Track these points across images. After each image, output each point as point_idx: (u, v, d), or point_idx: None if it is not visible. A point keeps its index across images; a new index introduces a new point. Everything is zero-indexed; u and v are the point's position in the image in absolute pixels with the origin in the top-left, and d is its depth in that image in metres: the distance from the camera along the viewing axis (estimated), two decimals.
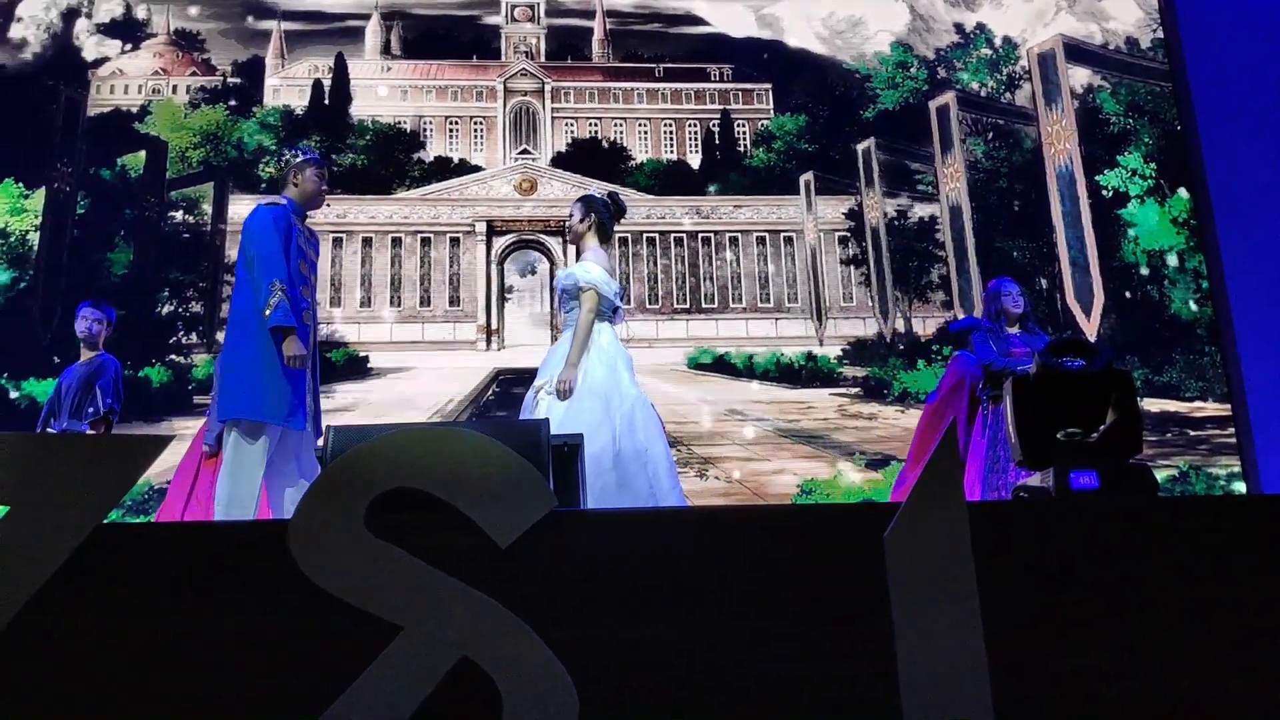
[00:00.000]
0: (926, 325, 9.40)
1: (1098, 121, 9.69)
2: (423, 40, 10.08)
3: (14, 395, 8.32)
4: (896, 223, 9.71)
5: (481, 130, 9.96)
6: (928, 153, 9.83)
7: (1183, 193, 9.35)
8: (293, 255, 4.33)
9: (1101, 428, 2.57)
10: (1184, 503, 4.48)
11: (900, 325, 9.42)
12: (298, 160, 4.55)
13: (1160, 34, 9.87)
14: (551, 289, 9.71)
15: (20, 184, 8.96)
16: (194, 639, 2.04)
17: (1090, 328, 9.13)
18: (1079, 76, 9.82)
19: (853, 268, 9.68)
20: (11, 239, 8.86)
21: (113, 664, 2.02)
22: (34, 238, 8.87)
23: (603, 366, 4.22)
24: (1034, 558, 2.20)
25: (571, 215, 4.63)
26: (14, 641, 1.94)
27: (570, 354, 4.19)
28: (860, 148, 9.86)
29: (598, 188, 4.89)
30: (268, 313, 4.17)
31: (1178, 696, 2.06)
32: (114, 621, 2.04)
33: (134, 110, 9.50)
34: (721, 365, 9.26)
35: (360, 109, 9.74)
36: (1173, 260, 9.21)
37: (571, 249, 4.54)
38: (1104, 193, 9.43)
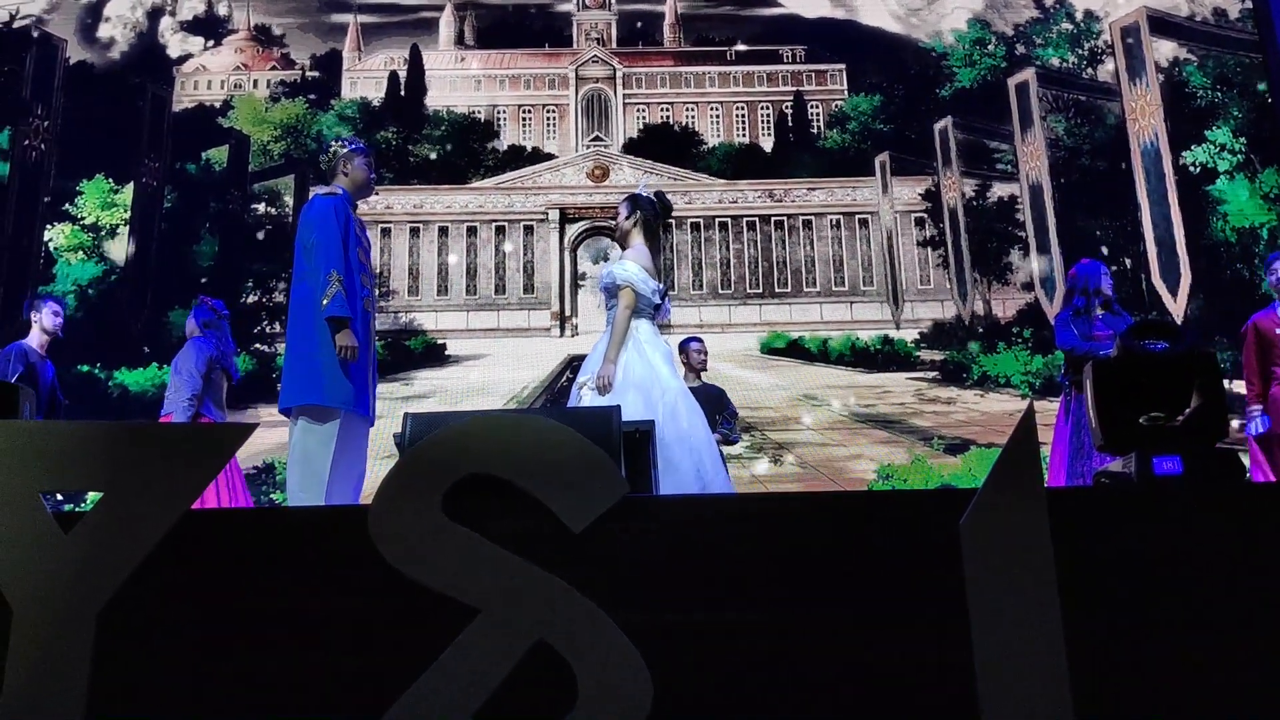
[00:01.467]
0: (1006, 308, 9.23)
1: (1184, 95, 9.39)
2: (495, 30, 10.16)
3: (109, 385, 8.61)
4: (975, 203, 9.54)
5: (554, 118, 10.01)
6: (1007, 131, 9.64)
7: (1274, 168, 9.03)
8: (350, 244, 4.41)
9: (1185, 411, 2.50)
10: (1271, 489, 4.35)
11: (979, 308, 9.26)
12: (345, 150, 4.63)
13: (1249, 3, 9.52)
14: None
15: (110, 180, 9.25)
16: (278, 621, 2.10)
17: (1177, 308, 8.88)
18: (1164, 49, 9.53)
19: (930, 249, 9.55)
20: (102, 233, 9.15)
21: (201, 645, 2.09)
22: (124, 232, 9.15)
23: (642, 361, 4.24)
24: (1115, 545, 2.16)
25: (618, 213, 4.67)
26: (109, 623, 2.02)
27: (608, 350, 4.22)
28: (937, 127, 9.70)
29: (645, 185, 4.90)
30: (325, 302, 4.25)
31: (1262, 688, 2.01)
32: (202, 604, 2.11)
33: (217, 105, 9.74)
34: (795, 350, 9.20)
35: (435, 100, 9.86)
36: (1264, 238, 8.90)
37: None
38: (1191, 169, 9.15)
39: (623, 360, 4.24)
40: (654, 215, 4.61)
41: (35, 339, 5.64)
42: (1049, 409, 8.50)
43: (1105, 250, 9.02)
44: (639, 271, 4.38)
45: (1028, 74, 9.66)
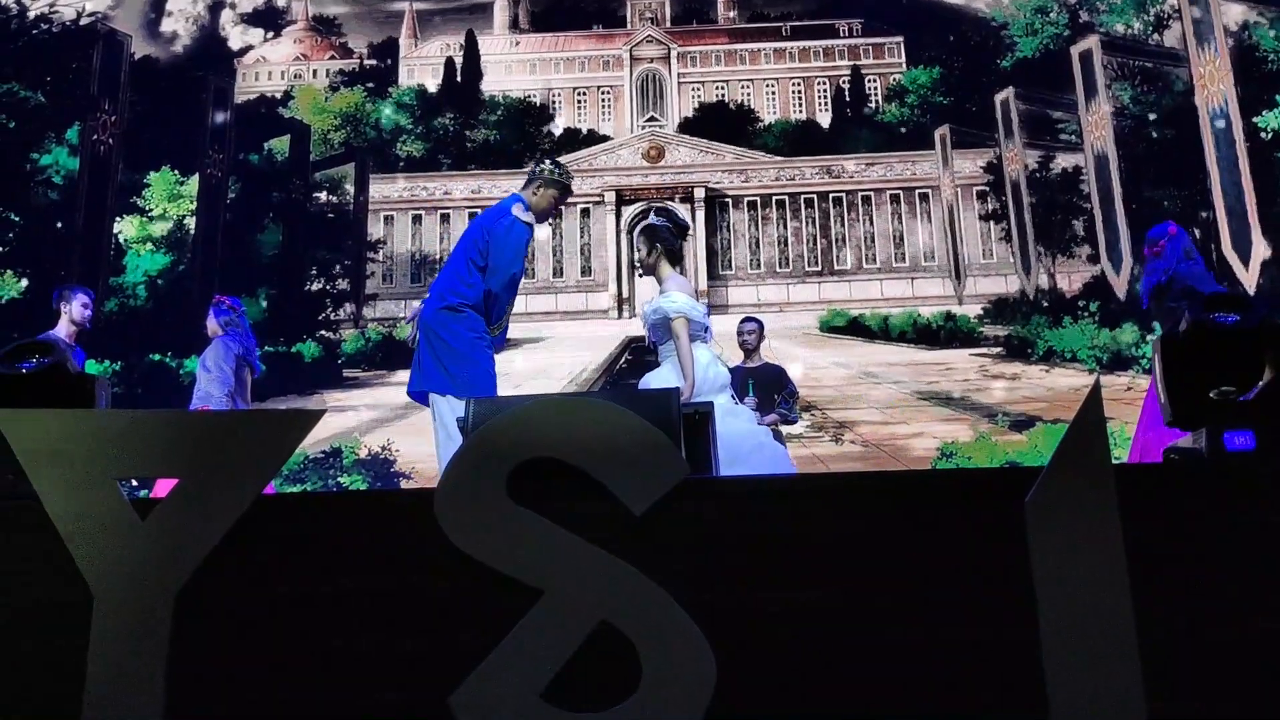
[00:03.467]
0: (1071, 281, 9.06)
1: (1254, 59, 9.10)
2: (550, 13, 10.17)
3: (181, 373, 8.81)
4: (1038, 175, 9.37)
5: (609, 100, 10.01)
6: (1070, 101, 9.43)
7: None
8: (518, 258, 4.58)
9: (1258, 385, 2.44)
10: None
11: (1044, 281, 9.10)
12: (550, 176, 4.62)
13: None
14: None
15: (176, 171, 9.44)
16: (348, 602, 2.15)
17: (1249, 279, 8.64)
18: (1233, 12, 9.24)
19: (992, 223, 9.40)
20: (169, 224, 9.35)
21: (274, 626, 2.14)
22: (190, 222, 9.34)
23: (705, 388, 4.30)
24: (1186, 523, 2.12)
25: (638, 250, 4.66)
26: (186, 605, 2.08)
27: (684, 371, 4.28)
28: (998, 98, 9.52)
29: (654, 215, 4.87)
30: (495, 332, 4.53)
31: None
32: (275, 586, 2.16)
33: (278, 96, 9.89)
34: (855, 328, 9.12)
35: (491, 85, 9.90)
36: None
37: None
38: (1262, 135, 8.87)
39: (666, 378, 4.30)
40: (673, 240, 4.61)
41: (64, 329, 5.69)
42: (1116, 383, 8.36)
43: (1177, 220, 8.80)
44: (686, 300, 4.40)
45: (1091, 41, 9.44)
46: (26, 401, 2.33)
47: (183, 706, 2.03)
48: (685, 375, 4.29)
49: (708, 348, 4.49)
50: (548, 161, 4.76)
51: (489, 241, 4.48)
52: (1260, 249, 8.62)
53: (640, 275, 4.76)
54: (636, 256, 4.68)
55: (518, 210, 4.55)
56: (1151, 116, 9.28)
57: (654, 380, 4.43)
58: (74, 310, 5.71)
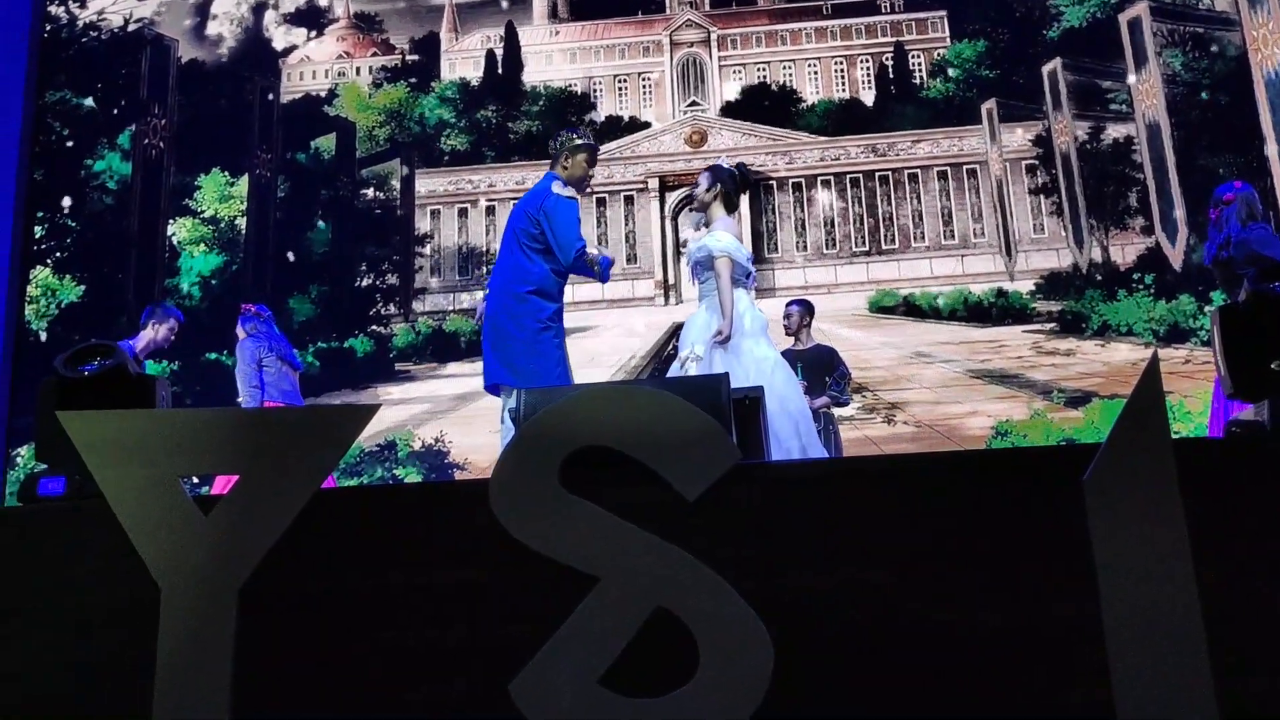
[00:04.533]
0: (1125, 253, 8.89)
1: None
2: (588, 1, 10.16)
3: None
4: (1089, 146, 9.20)
5: (650, 86, 9.99)
6: (1120, 70, 9.25)
7: None
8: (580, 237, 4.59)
9: None
10: None
11: (1097, 255, 8.95)
12: (573, 143, 4.64)
13: None
14: None
15: (225, 173, 9.59)
16: (407, 593, 2.18)
17: None
18: None
19: (1042, 197, 9.25)
20: (221, 225, 9.49)
21: (337, 617, 2.18)
22: (241, 223, 9.48)
23: (738, 333, 4.28)
24: (1249, 497, 2.08)
25: (698, 185, 4.67)
26: (249, 599, 2.12)
27: (723, 308, 4.28)
28: (1045, 70, 9.36)
29: (725, 159, 4.86)
30: (598, 269, 4.50)
31: None
32: (336, 578, 2.20)
33: (322, 94, 9.99)
34: (906, 307, 9.04)
35: (532, 75, 9.92)
36: None
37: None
38: None
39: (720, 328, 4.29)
40: (734, 189, 4.61)
41: (141, 342, 5.79)
42: (1174, 356, 8.21)
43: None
44: (733, 241, 4.40)
45: (1140, 8, 9.24)
46: (89, 403, 2.39)
47: (249, 698, 2.08)
48: (724, 314, 4.31)
49: (748, 295, 4.50)
50: (562, 132, 4.82)
51: (542, 223, 4.50)
52: None
53: (692, 210, 4.74)
54: (694, 192, 4.69)
55: (556, 187, 4.58)
56: (1204, 82, 9.07)
57: (694, 323, 4.45)
58: (161, 331, 5.85)
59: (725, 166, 4.66)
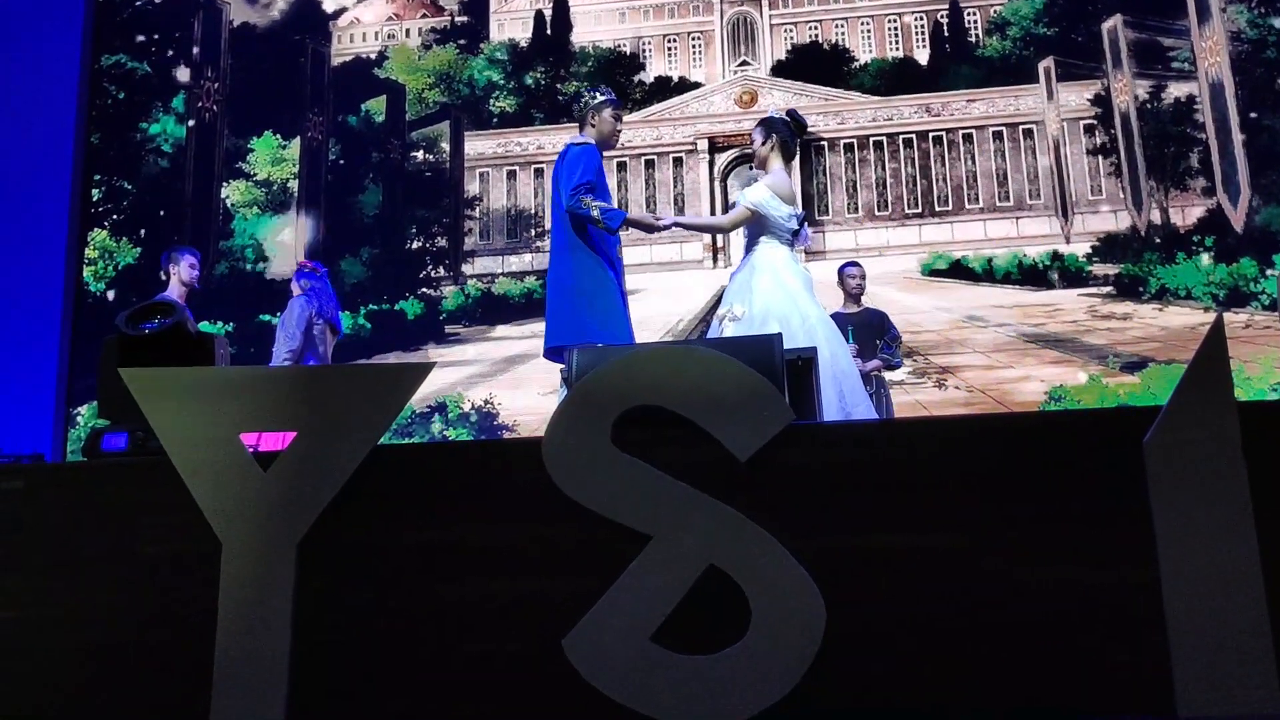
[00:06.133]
0: (1186, 215, 8.69)
1: None
2: None
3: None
4: (1149, 106, 8.98)
5: (700, 45, 9.88)
6: (1182, 27, 8.99)
7: None
8: (601, 192, 4.53)
9: None
10: None
11: (1155, 216, 8.75)
12: (596, 101, 4.68)
13: None
14: None
15: (278, 135, 9.66)
16: (461, 549, 2.20)
17: None
18: None
19: (1100, 158, 9.05)
20: (274, 187, 9.58)
21: (392, 572, 2.21)
22: (294, 185, 9.57)
23: (780, 290, 4.23)
24: None
25: (753, 139, 4.63)
26: (307, 553, 2.16)
27: (694, 223, 4.36)
28: (1105, 27, 9.12)
29: (775, 108, 4.83)
30: (598, 215, 4.39)
31: None
32: (392, 534, 2.23)
33: (372, 57, 10.01)
34: (958, 270, 8.91)
35: (581, 36, 9.86)
36: None
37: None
38: None
39: (760, 290, 4.25)
40: (790, 136, 4.57)
41: (174, 291, 5.82)
42: (1234, 320, 8.03)
43: None
44: (767, 195, 4.36)
45: None
46: (149, 360, 2.43)
47: (307, 649, 2.12)
48: (700, 222, 4.39)
49: (790, 251, 4.45)
50: (583, 92, 4.85)
51: (561, 175, 4.56)
52: None
53: (753, 168, 4.71)
54: (753, 147, 4.68)
55: (575, 141, 4.65)
56: (1270, 40, 8.80)
57: (737, 277, 4.44)
58: (182, 271, 5.88)
59: (778, 116, 4.63)
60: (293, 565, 2.13)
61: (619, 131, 4.80)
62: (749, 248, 4.47)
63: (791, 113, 4.68)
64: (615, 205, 4.79)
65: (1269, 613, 1.81)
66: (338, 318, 6.15)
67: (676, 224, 4.71)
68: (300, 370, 2.23)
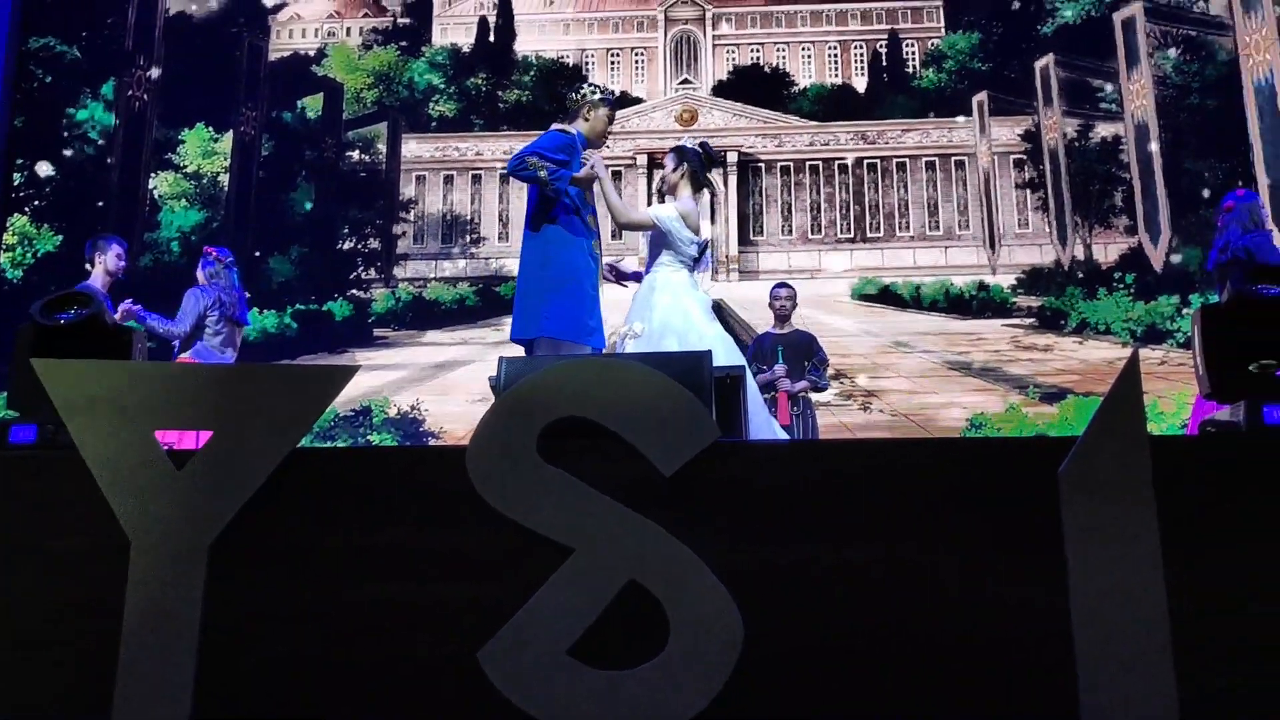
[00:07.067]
0: (1108, 252, 8.93)
1: None
2: None
3: None
4: (1077, 144, 9.23)
5: (642, 61, 9.93)
6: (1111, 68, 9.27)
7: None
8: (565, 172, 4.46)
9: None
10: None
11: (1079, 252, 8.99)
12: (596, 98, 4.67)
13: None
14: (712, 221, 9.69)
15: (210, 128, 9.48)
16: (379, 556, 2.17)
17: None
18: None
19: (1029, 192, 9.27)
20: (203, 181, 9.39)
21: (306, 577, 2.17)
22: (224, 179, 9.39)
23: (677, 308, 4.28)
24: (1221, 496, 2.10)
25: (665, 166, 4.66)
26: (219, 555, 2.11)
27: (609, 189, 4.38)
28: (1038, 65, 9.36)
29: (689, 139, 4.86)
30: (544, 175, 4.33)
31: None
32: (308, 538, 2.19)
33: (311, 54, 9.88)
34: (887, 296, 9.06)
35: (524, 45, 9.84)
36: None
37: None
38: None
39: (659, 309, 4.28)
40: (700, 167, 4.61)
41: (98, 280, 5.65)
42: (1150, 357, 8.27)
43: (1207, 193, 8.66)
44: (674, 214, 4.40)
45: (1135, 8, 9.26)
46: (64, 352, 2.36)
47: (215, 650, 2.07)
48: (611, 196, 4.40)
49: (690, 275, 4.48)
50: (585, 87, 4.83)
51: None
52: None
53: (661, 191, 4.70)
54: (661, 174, 4.69)
55: (555, 125, 4.58)
56: (1194, 86, 9.11)
57: (638, 297, 4.46)
58: (109, 260, 5.70)
59: (690, 146, 4.66)
60: (203, 566, 2.08)
61: (607, 136, 4.79)
62: (651, 268, 4.49)
63: (705, 145, 4.72)
64: (594, 208, 4.73)
65: (1171, 644, 1.86)
66: (243, 309, 5.98)
67: (598, 177, 4.58)
68: (220, 369, 2.19)
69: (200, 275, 5.93)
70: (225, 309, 5.77)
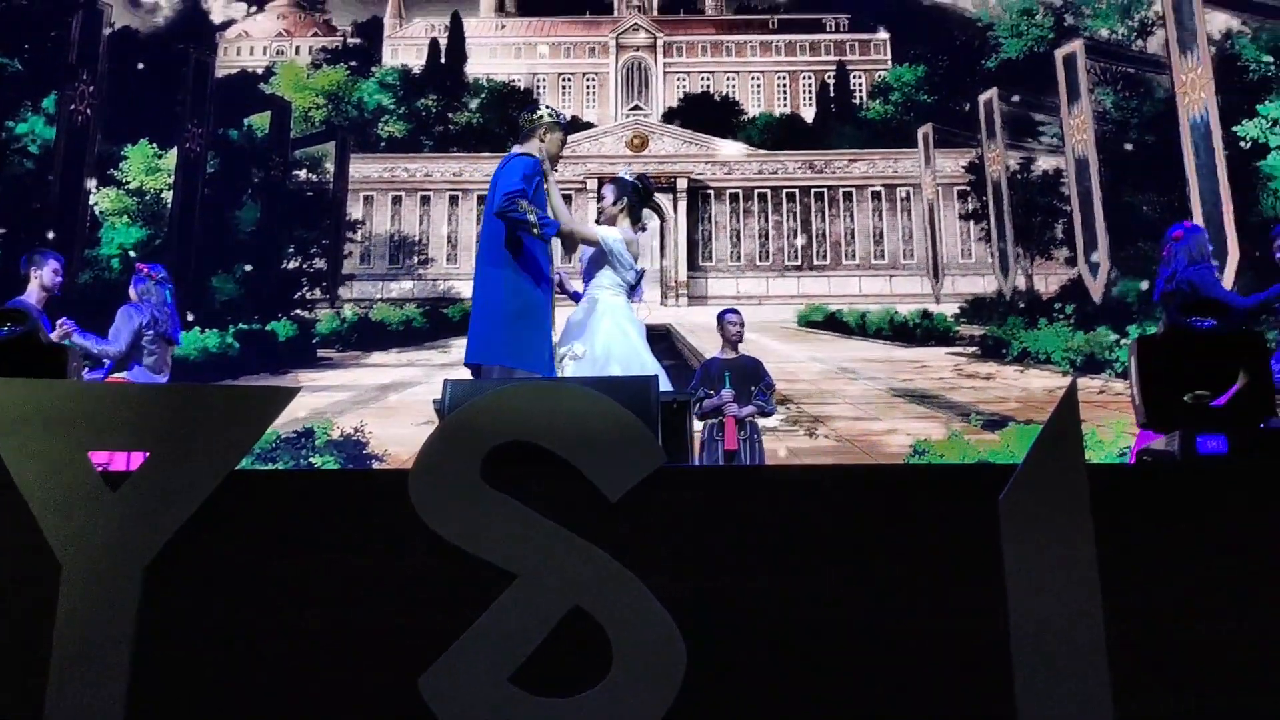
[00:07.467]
0: (1049, 282, 9.11)
1: (1236, 69, 9.18)
2: None
3: None
4: (1019, 176, 9.42)
5: (594, 87, 9.97)
6: (1053, 103, 9.48)
7: None
8: (539, 203, 4.37)
9: (1231, 390, 2.46)
10: None
11: (1021, 283, 9.16)
12: (549, 120, 4.55)
13: None
14: (662, 246, 9.73)
15: (154, 144, 9.34)
16: (319, 580, 2.13)
17: (1225, 284, 8.72)
18: (1217, 21, 9.31)
19: (972, 223, 9.45)
20: (146, 197, 9.25)
21: (245, 602, 2.12)
22: (168, 196, 9.25)
23: (621, 335, 4.30)
24: (1157, 524, 2.14)
25: (603, 197, 4.68)
26: (154, 579, 2.06)
27: (564, 212, 4.38)
28: (982, 99, 9.56)
29: (627, 170, 4.87)
30: (535, 226, 4.23)
31: None
32: (246, 562, 2.14)
33: (259, 72, 9.80)
34: (833, 323, 9.15)
35: (475, 67, 9.85)
36: None
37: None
38: (1241, 144, 8.95)
39: (602, 335, 4.29)
40: (638, 200, 4.63)
41: (34, 296, 5.52)
42: (1089, 386, 8.42)
43: (1155, 226, 8.87)
44: (619, 237, 4.42)
45: (1076, 45, 9.49)
46: None
47: (148, 678, 2.02)
48: (566, 216, 4.40)
49: (628, 302, 4.50)
50: (541, 107, 4.76)
51: (499, 182, 4.39)
52: (1235, 257, 8.70)
53: (599, 223, 4.68)
54: (600, 204, 4.69)
55: (517, 149, 4.51)
56: (1133, 122, 9.34)
57: (573, 319, 4.45)
58: (45, 275, 5.58)
59: (629, 178, 4.67)
60: (137, 590, 2.02)
61: (560, 158, 4.72)
62: (589, 288, 4.49)
63: (643, 178, 4.73)
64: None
65: (1109, 669, 1.88)
66: (176, 328, 5.87)
67: (560, 217, 4.51)
68: (158, 388, 2.15)
69: (132, 292, 5.82)
70: (159, 326, 5.67)
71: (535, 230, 4.22)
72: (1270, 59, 9.16)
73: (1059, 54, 9.54)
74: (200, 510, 2.07)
